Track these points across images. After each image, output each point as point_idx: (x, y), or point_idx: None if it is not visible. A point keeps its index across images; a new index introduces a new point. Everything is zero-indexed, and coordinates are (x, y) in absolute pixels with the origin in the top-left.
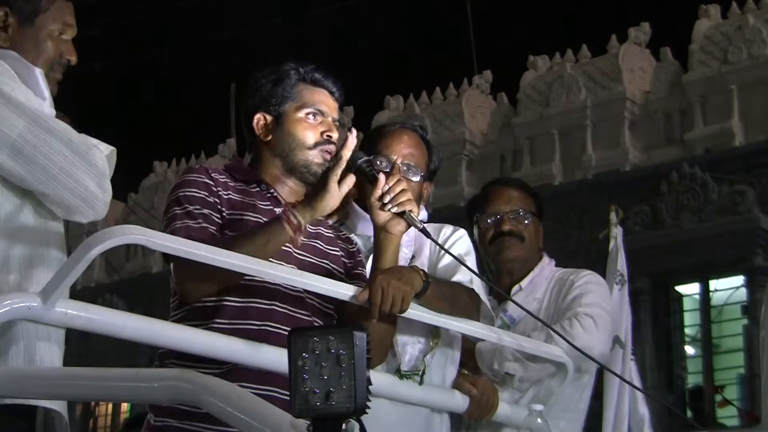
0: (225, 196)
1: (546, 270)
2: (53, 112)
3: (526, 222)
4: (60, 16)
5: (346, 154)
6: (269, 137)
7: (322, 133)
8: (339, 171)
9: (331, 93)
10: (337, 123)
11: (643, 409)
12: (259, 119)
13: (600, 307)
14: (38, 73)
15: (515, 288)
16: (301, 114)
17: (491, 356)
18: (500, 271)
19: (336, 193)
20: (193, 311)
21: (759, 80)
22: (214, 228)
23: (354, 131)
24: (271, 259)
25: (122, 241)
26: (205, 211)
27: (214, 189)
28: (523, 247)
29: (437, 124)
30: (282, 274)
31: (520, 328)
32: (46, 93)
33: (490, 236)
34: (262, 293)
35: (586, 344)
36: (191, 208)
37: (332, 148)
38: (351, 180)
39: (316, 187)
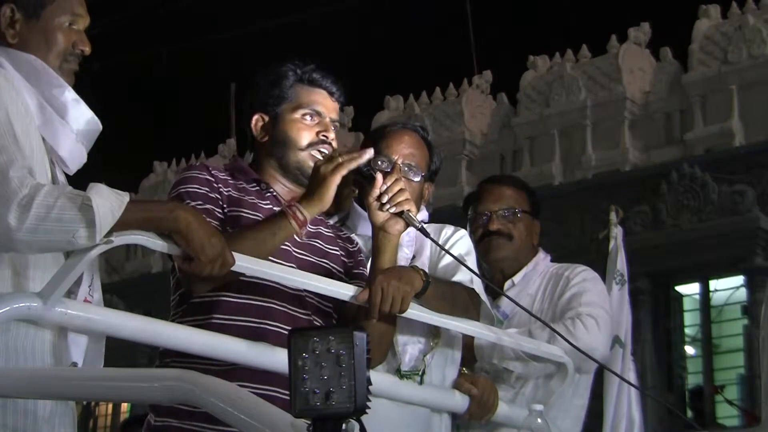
0: (225, 193)
1: (540, 265)
2: (79, 101)
3: (516, 220)
4: (68, 7)
5: (359, 162)
6: (266, 138)
7: (317, 134)
8: (336, 168)
9: (331, 93)
10: (337, 124)
11: (636, 414)
12: (257, 120)
13: (600, 307)
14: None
15: (508, 283)
16: (297, 115)
17: (491, 352)
18: (490, 268)
19: (334, 185)
20: (191, 308)
21: (759, 80)
22: (216, 223)
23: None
24: (270, 258)
25: (122, 241)
26: (208, 206)
27: (215, 185)
28: (512, 246)
29: (437, 124)
30: (282, 273)
31: (514, 324)
32: (67, 91)
33: (479, 235)
34: (261, 291)
35: (589, 345)
36: (193, 204)
37: (327, 148)
38: (343, 170)
39: (314, 183)
